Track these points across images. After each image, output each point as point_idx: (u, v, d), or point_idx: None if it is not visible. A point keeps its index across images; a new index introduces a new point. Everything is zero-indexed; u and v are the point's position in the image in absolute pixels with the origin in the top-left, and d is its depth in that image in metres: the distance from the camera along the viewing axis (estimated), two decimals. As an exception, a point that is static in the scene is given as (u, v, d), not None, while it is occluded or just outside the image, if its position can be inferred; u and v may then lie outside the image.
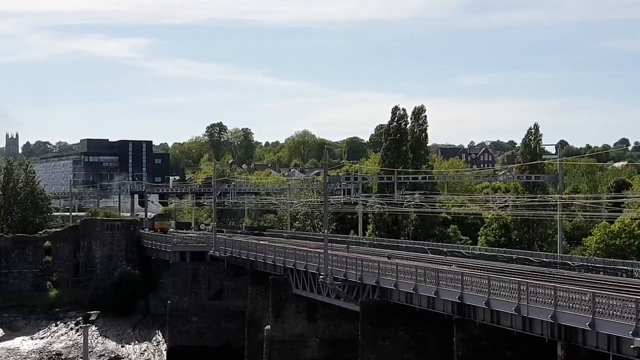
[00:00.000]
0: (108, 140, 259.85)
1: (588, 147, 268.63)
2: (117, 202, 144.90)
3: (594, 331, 37.30)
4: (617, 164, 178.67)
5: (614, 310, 35.99)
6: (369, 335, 56.00)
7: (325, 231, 64.87)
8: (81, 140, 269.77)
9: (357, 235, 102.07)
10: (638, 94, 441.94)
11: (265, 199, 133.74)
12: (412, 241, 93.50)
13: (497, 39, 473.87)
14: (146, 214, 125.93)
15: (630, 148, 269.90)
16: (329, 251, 62.86)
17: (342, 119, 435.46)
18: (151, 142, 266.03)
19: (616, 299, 36.58)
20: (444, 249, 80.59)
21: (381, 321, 55.88)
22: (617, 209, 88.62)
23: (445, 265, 59.61)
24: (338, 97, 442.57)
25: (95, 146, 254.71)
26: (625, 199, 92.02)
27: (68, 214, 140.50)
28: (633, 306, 34.95)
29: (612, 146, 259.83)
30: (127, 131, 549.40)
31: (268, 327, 71.99)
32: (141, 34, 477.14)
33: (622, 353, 36.04)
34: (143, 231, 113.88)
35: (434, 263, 62.12)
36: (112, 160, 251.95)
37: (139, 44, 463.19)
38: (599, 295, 37.51)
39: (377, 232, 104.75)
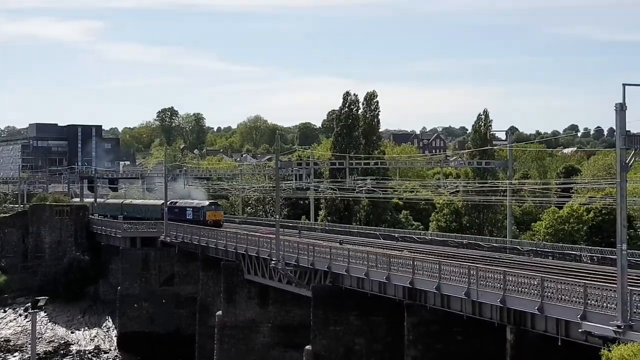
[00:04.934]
0: (57, 124, 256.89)
1: (538, 133, 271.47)
2: (67, 188, 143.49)
3: (543, 315, 37.70)
4: (566, 150, 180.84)
5: (563, 295, 36.39)
6: (320, 320, 56.13)
7: (277, 217, 64.82)
8: (30, 124, 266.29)
9: (309, 220, 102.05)
10: (588, 80, 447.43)
11: (217, 184, 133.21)
12: (363, 227, 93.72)
13: (450, 24, 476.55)
14: (96, 200, 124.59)
15: (579, 134, 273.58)
16: (280, 237, 62.85)
17: (294, 104, 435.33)
18: (101, 126, 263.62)
19: (564, 283, 36.99)
20: (396, 235, 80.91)
21: (333, 306, 56.04)
22: (566, 194, 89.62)
23: (396, 250, 59.88)
24: (290, 83, 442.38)
25: (44, 131, 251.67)
26: (574, 184, 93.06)
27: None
28: (581, 290, 35.37)
29: (561, 132, 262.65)
30: (77, 116, 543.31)
31: (219, 312, 71.87)
32: (91, 17, 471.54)
33: (571, 337, 36.47)
34: (92, 217, 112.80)
35: (386, 248, 62.33)
36: (61, 145, 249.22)
37: (90, 27, 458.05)
38: (547, 280, 37.90)
39: (329, 218, 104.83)
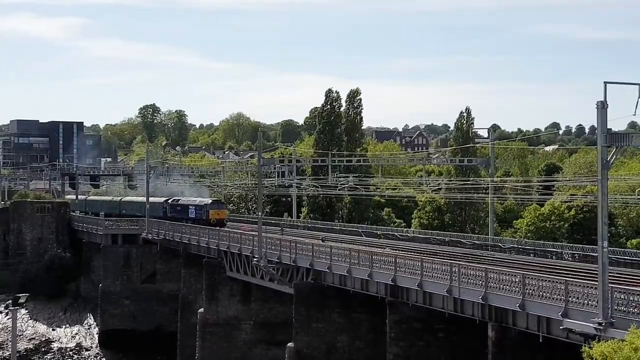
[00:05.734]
0: (38, 121, 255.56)
1: (520, 131, 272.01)
2: (48, 184, 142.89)
3: (524, 312, 37.82)
4: (547, 148, 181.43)
5: (544, 292, 36.51)
6: (302, 317, 56.13)
7: (260, 214, 64.80)
8: (11, 121, 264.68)
9: (292, 218, 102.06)
10: (569, 78, 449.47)
11: (200, 181, 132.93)
12: (346, 224, 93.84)
13: (433, 22, 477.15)
14: (77, 196, 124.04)
15: (560, 132, 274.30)
16: (263, 234, 62.83)
17: (276, 101, 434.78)
18: (82, 123, 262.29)
19: (546, 280, 37.12)
20: (378, 232, 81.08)
21: (315, 303, 56.05)
22: (547, 192, 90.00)
23: (378, 248, 59.99)
24: (273, 80, 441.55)
25: (25, 127, 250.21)
26: (555, 182, 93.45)
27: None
28: (562, 287, 35.49)
29: (543, 130, 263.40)
30: (58, 112, 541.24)
31: (201, 310, 71.76)
32: (73, 14, 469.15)
33: (552, 334, 36.60)
34: (73, 214, 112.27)
35: (368, 246, 62.44)
36: (42, 142, 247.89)
37: (71, 23, 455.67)
38: (529, 277, 38.04)
39: (311, 215, 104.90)
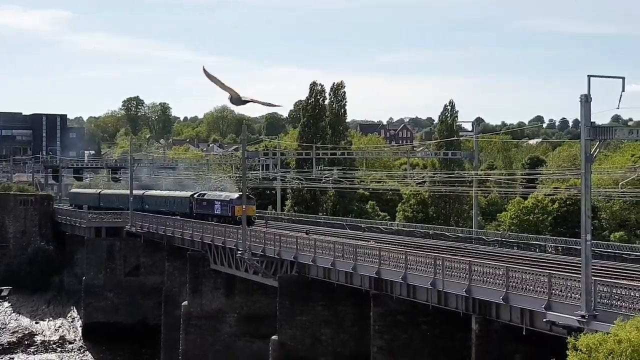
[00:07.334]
0: (22, 113, 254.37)
1: (504, 124, 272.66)
2: (31, 177, 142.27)
3: (508, 305, 37.91)
4: (531, 141, 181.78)
5: (527, 285, 36.61)
6: (286, 310, 56.17)
7: (244, 206, 64.61)
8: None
9: (276, 210, 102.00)
10: (553, 72, 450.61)
11: (184, 174, 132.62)
12: (330, 217, 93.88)
13: (417, 15, 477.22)
14: (60, 189, 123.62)
15: (544, 126, 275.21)
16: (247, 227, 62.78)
17: (261, 94, 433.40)
18: (66, 115, 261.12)
19: (529, 273, 37.22)
20: (362, 225, 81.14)
21: (299, 296, 56.09)
22: (531, 185, 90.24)
23: (363, 240, 60.03)
24: (257, 73, 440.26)
25: (8, 120, 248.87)
26: (539, 175, 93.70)
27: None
28: (546, 280, 35.60)
29: (527, 124, 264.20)
30: (42, 105, 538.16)
31: (185, 303, 71.67)
32: (58, 7, 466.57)
33: (535, 327, 36.72)
34: (58, 207, 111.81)
35: (352, 239, 62.49)
36: (25, 134, 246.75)
37: (57, 16, 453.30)
38: (512, 270, 38.13)
39: (295, 208, 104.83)
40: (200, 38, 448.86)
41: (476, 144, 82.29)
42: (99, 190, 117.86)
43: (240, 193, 79.00)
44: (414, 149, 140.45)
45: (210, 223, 74.27)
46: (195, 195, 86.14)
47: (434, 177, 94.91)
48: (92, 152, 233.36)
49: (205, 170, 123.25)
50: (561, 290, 34.79)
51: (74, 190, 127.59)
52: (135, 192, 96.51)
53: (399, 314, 47.21)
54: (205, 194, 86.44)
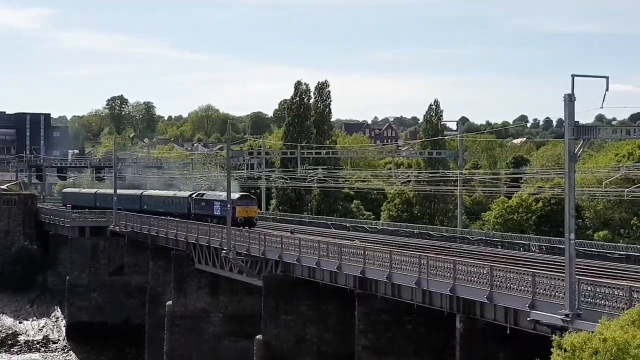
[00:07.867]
0: (5, 112, 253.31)
1: (488, 123, 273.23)
2: (14, 176, 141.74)
3: (492, 304, 38.01)
4: (515, 141, 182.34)
5: (511, 284, 36.70)
6: (271, 309, 56.16)
7: (229, 206, 64.49)
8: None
9: (261, 210, 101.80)
10: (537, 71, 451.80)
11: (168, 173, 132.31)
12: (315, 216, 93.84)
13: (402, 15, 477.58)
14: (44, 189, 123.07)
15: (528, 125, 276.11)
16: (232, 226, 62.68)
17: (245, 93, 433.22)
18: (49, 114, 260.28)
19: (513, 272, 37.32)
20: (347, 224, 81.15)
21: (284, 296, 56.06)
22: (515, 184, 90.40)
23: (348, 240, 60.06)
24: (242, 72, 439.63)
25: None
26: (523, 174, 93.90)
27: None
28: (530, 279, 35.69)
29: (511, 123, 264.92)
30: (25, 104, 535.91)
31: (169, 302, 71.55)
32: (41, 4, 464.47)
33: (519, 325, 36.81)
34: (42, 206, 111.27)
35: (337, 238, 62.49)
36: (9, 134, 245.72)
37: (39, 14, 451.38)
38: (496, 269, 38.23)
39: (280, 207, 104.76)
40: (184, 36, 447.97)
41: (461, 144, 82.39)
42: (95, 190, 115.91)
43: (242, 193, 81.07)
44: (399, 148, 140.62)
45: (193, 222, 74.02)
46: (193, 196, 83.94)
47: (418, 176, 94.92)
48: (76, 151, 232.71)
49: (190, 169, 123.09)
50: (545, 289, 34.88)
51: (67, 189, 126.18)
52: (134, 192, 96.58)
53: (383, 313, 47.28)
54: (204, 193, 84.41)
